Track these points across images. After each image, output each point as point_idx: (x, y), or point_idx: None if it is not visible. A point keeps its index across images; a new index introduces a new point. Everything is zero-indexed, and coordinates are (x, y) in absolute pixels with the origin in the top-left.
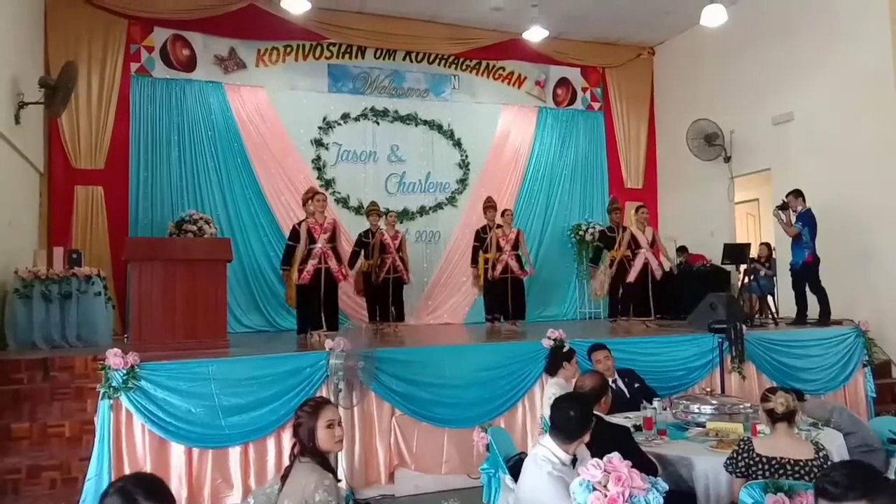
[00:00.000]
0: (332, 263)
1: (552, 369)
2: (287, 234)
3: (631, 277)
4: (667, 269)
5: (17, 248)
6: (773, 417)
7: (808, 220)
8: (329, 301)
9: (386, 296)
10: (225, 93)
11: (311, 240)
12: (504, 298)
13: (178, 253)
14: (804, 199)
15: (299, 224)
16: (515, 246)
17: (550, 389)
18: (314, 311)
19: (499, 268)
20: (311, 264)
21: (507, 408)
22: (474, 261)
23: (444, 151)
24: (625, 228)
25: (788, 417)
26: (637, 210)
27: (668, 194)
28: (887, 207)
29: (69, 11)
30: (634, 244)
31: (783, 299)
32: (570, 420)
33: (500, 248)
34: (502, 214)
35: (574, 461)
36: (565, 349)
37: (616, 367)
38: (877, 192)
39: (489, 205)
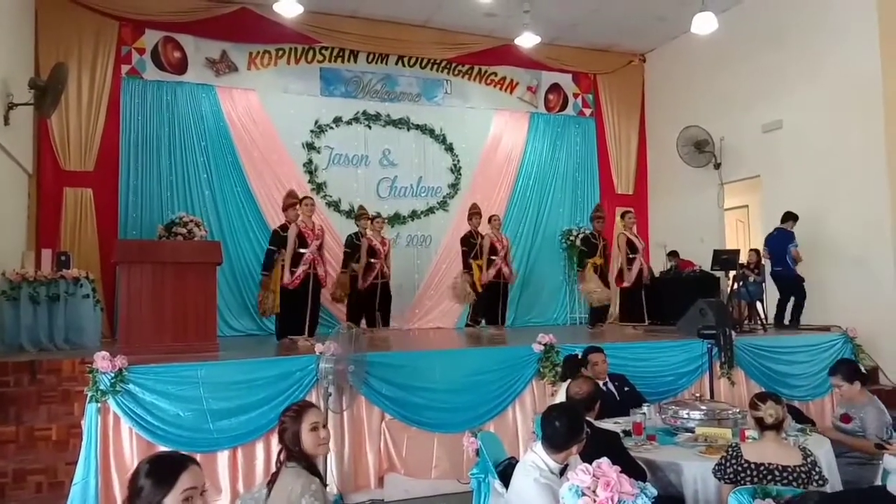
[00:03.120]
0: (320, 269)
1: (572, 376)
2: None
3: (628, 282)
4: (647, 278)
5: (4, 250)
6: (762, 425)
7: (768, 241)
8: (314, 307)
9: (373, 300)
10: (216, 95)
11: (303, 244)
12: (495, 303)
13: (168, 256)
14: (790, 221)
15: (283, 229)
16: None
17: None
18: (299, 317)
19: (492, 272)
20: (301, 269)
21: (498, 412)
22: (466, 266)
23: (436, 156)
24: (605, 239)
25: (777, 426)
26: (623, 216)
27: (658, 200)
28: (875, 214)
29: (59, 13)
30: (631, 249)
31: (771, 305)
32: (555, 430)
33: (495, 253)
34: (489, 220)
35: (563, 470)
36: (579, 356)
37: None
38: (865, 200)
39: (474, 211)
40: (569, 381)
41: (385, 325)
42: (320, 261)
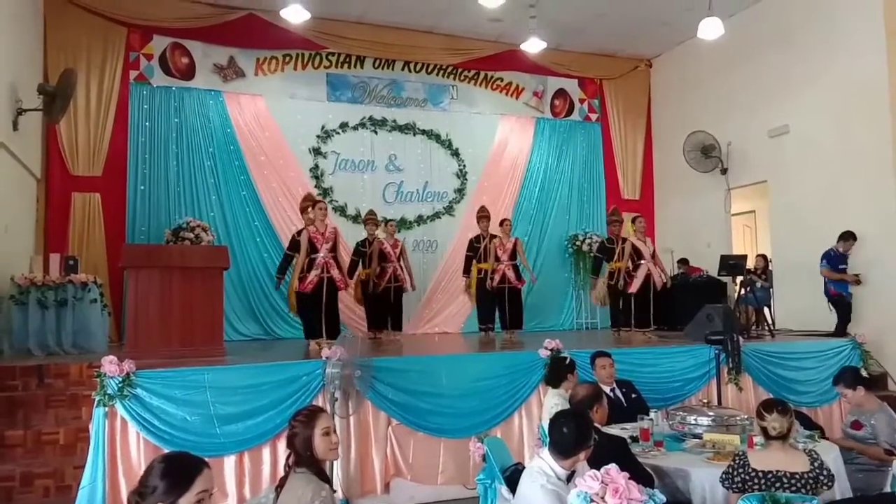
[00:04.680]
0: (335, 272)
1: (555, 381)
2: (284, 241)
3: (633, 288)
4: (661, 283)
5: (13, 255)
6: (766, 435)
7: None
8: (330, 310)
9: (385, 305)
10: (224, 101)
11: (314, 249)
12: (501, 308)
13: (175, 260)
14: (840, 241)
15: (299, 233)
16: (513, 256)
17: (551, 400)
18: (315, 321)
19: (496, 278)
20: (314, 274)
21: (504, 418)
22: (466, 270)
23: (442, 161)
24: (624, 240)
25: (782, 437)
26: (634, 220)
27: (664, 205)
28: (883, 219)
29: (68, 19)
30: (636, 255)
31: (779, 311)
32: (564, 437)
33: (497, 258)
34: (500, 224)
35: (571, 476)
36: (567, 361)
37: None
38: (873, 204)
39: (483, 214)
40: (559, 388)
41: (397, 329)
42: (334, 264)
